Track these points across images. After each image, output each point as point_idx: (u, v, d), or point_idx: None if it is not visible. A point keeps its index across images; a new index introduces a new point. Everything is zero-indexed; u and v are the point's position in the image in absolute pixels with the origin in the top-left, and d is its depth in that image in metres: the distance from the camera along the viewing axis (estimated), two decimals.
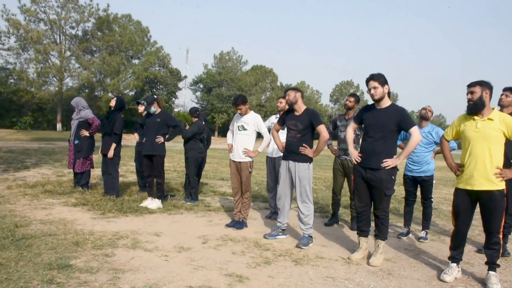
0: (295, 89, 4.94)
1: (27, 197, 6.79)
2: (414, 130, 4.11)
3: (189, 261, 3.98)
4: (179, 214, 6.20)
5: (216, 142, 32.64)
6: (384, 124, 4.14)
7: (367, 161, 4.23)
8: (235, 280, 3.54)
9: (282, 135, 5.41)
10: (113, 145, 6.91)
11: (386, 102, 4.23)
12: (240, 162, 5.43)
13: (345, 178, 5.95)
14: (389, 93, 4.26)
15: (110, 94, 40.63)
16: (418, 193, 5.62)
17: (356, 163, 4.34)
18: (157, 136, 6.39)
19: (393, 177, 4.17)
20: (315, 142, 4.83)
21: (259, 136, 5.66)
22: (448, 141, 4.15)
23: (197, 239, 4.82)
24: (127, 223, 5.39)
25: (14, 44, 35.00)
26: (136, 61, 43.17)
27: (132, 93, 43.63)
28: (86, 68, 37.33)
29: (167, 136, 6.57)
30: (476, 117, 3.79)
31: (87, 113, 7.60)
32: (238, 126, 5.49)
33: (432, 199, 5.56)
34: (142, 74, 40.65)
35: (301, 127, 4.77)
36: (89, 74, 36.86)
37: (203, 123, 7.38)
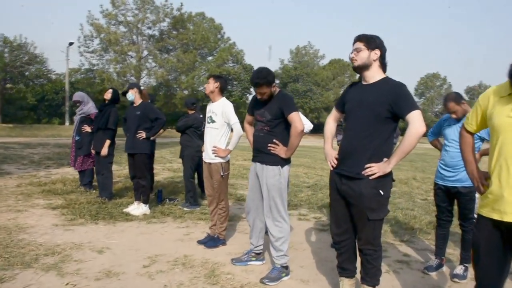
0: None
1: (20, 196, 6.39)
2: (414, 117, 2.62)
3: None
4: (161, 223, 5.29)
5: None
6: (370, 106, 2.75)
7: (342, 165, 2.90)
8: None
9: None
10: (107, 142, 6.20)
11: (376, 75, 2.82)
12: (210, 164, 4.35)
13: None
14: (384, 65, 2.86)
15: (185, 91, 41.59)
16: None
17: (332, 168, 3.04)
18: (138, 132, 5.54)
19: (381, 192, 2.76)
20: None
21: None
22: (471, 134, 2.50)
23: (143, 260, 3.85)
24: (85, 233, 4.60)
25: (97, 47, 37.03)
26: (210, 58, 43.63)
27: None
28: (161, 66, 38.42)
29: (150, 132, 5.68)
30: None
31: (90, 108, 7.04)
32: (207, 118, 4.41)
33: (474, 221, 3.97)
34: (215, 71, 40.91)
35: (269, 117, 3.56)
36: (164, 72, 37.86)
37: (201, 116, 6.40)
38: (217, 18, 66.07)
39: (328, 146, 3.11)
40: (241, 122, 4.16)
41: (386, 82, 2.79)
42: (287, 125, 3.56)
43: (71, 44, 33.95)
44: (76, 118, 7.15)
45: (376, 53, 2.79)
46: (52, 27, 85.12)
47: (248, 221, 3.90)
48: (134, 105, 5.72)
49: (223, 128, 4.29)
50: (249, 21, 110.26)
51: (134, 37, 38.73)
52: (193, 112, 6.38)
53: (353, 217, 2.89)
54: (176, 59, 38.97)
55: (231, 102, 4.38)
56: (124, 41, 37.29)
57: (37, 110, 36.92)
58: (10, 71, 33.06)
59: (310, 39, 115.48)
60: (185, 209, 6.04)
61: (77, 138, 6.98)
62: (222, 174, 4.27)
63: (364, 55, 2.77)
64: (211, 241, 4.39)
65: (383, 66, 2.85)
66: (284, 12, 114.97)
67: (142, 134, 5.54)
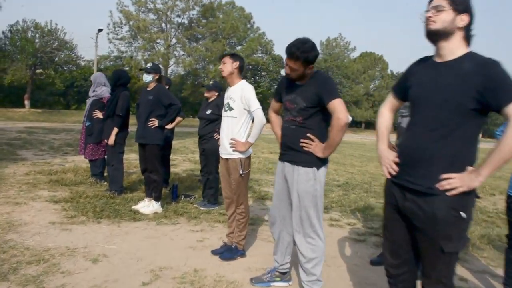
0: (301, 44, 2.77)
1: (24, 186, 5.85)
2: None
3: None
4: (173, 224, 4.62)
5: None
6: (449, 93, 1.93)
7: (406, 175, 2.10)
8: None
9: None
10: (114, 130, 5.57)
11: (457, 49, 1.98)
12: (227, 160, 3.62)
13: None
14: (469, 37, 2.04)
15: (212, 81, 41.03)
16: None
17: (388, 176, 2.25)
18: (150, 119, 4.86)
19: (462, 215, 1.94)
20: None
21: None
22: None
23: (144, 274, 3.17)
24: (83, 235, 3.97)
25: (126, 34, 36.92)
26: (239, 48, 42.92)
27: None
28: (189, 55, 38.00)
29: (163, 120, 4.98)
30: None
31: (104, 91, 6.41)
32: (224, 105, 3.69)
33: None
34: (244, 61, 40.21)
35: (303, 104, 2.79)
36: (192, 61, 37.41)
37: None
38: (247, 8, 65.19)
39: (383, 146, 2.31)
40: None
41: (472, 59, 1.96)
42: (325, 116, 2.79)
43: (100, 30, 33.81)
44: (88, 101, 6.56)
45: (463, 18, 1.96)
46: (82, 13, 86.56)
47: (273, 233, 3.16)
48: (148, 88, 5.04)
49: (243, 117, 3.55)
50: (279, 11, 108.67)
51: (163, 24, 38.39)
52: (216, 96, 5.64)
53: (419, 245, 2.10)
54: (204, 48, 38.45)
55: (259, 93, 3.67)
56: (153, 28, 37.04)
57: (66, 96, 37.14)
58: (40, 56, 33.26)
59: (341, 31, 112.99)
60: (201, 208, 5.36)
61: (87, 123, 6.39)
62: (241, 172, 3.54)
63: (447, 17, 1.94)
64: (228, 252, 3.68)
65: (468, 38, 2.02)
66: (316, 2, 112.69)
67: (154, 122, 4.86)
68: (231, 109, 3.56)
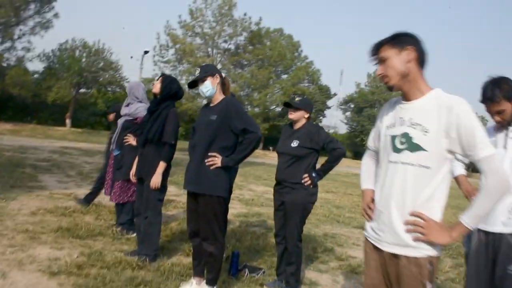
0: None
1: (20, 236, 4.09)
2: None
3: None
4: None
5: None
6: None
7: None
8: None
9: None
10: (161, 165, 3.71)
11: None
12: (396, 257, 1.62)
13: None
14: None
15: (256, 109, 39.86)
16: None
17: None
18: (210, 154, 2.95)
19: None
20: None
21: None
22: None
23: None
24: None
25: (171, 57, 36.42)
26: (285, 76, 41.62)
27: (279, 109, 42.17)
28: (234, 81, 36.94)
29: (231, 155, 3.04)
30: None
31: (139, 109, 4.61)
32: (393, 138, 1.72)
33: None
34: (289, 90, 38.73)
35: None
36: (236, 88, 36.24)
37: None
38: (296, 36, 64.17)
39: None
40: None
41: None
42: None
43: (146, 52, 33.33)
44: (119, 122, 4.79)
45: None
46: (128, 35, 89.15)
47: None
48: (211, 104, 3.16)
49: (442, 168, 1.59)
50: (328, 41, 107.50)
51: (209, 49, 37.71)
52: (306, 120, 3.67)
53: None
54: (250, 75, 37.35)
55: None
56: (199, 53, 36.36)
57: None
58: (85, 76, 32.93)
59: None
60: None
61: (116, 152, 4.61)
62: (429, 286, 1.54)
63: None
64: None
65: None
66: (364, 33, 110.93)
67: (216, 160, 2.93)
68: (417, 148, 1.59)
